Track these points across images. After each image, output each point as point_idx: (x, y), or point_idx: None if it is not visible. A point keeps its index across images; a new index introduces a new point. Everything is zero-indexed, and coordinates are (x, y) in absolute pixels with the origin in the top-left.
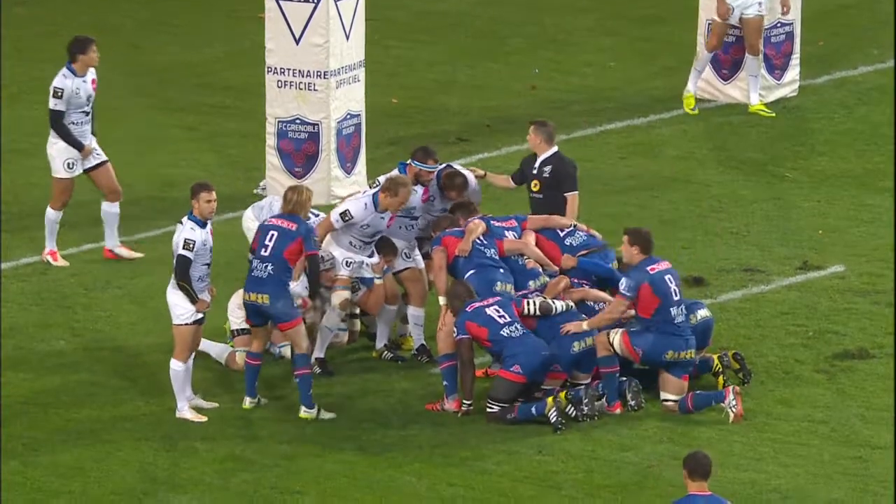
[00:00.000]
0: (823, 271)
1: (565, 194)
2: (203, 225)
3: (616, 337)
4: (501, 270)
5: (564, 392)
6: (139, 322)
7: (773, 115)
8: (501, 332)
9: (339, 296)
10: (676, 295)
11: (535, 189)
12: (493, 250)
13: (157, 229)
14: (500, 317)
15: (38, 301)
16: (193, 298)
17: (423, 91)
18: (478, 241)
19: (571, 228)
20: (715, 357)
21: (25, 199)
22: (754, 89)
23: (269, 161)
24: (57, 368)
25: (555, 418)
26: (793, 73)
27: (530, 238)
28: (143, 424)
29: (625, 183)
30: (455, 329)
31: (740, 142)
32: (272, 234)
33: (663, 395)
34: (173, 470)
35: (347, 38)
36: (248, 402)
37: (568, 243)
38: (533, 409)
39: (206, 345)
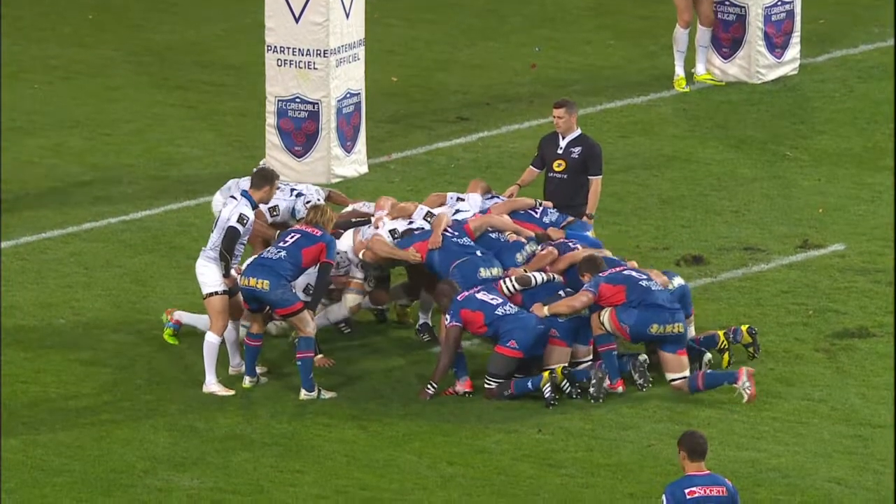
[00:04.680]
0: (824, 250)
1: (590, 177)
2: (255, 207)
3: (605, 315)
4: (479, 254)
5: (561, 367)
6: (140, 301)
7: (723, 83)
8: (496, 313)
9: (353, 299)
10: (638, 273)
11: (558, 168)
12: (464, 238)
13: (157, 208)
14: (491, 299)
15: (38, 280)
16: (228, 271)
17: (424, 70)
18: (447, 232)
19: (543, 207)
20: (720, 333)
21: (25, 178)
22: (701, 60)
23: (269, 140)
24: (57, 347)
25: (548, 393)
26: (793, 51)
27: (504, 217)
28: (144, 403)
29: (625, 161)
30: (448, 317)
31: (740, 120)
32: (294, 235)
33: (669, 376)
34: (173, 449)
35: (347, 16)
36: (247, 382)
37: (547, 220)
38: (529, 384)
39: (192, 318)
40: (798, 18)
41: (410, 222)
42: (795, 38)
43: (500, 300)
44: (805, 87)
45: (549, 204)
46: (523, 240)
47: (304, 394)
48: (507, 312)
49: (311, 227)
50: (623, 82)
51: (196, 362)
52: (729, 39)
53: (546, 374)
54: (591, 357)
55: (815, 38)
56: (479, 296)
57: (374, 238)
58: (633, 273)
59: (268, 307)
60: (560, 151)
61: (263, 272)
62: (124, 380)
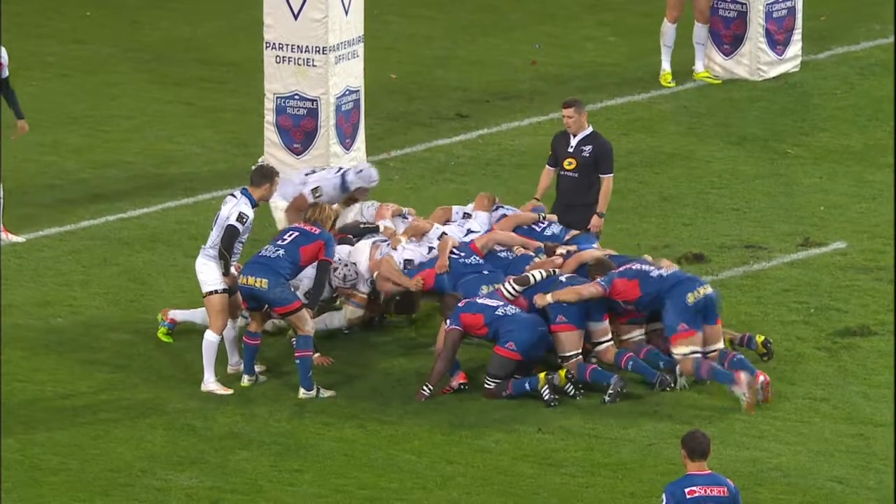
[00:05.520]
0: (825, 248)
1: (601, 176)
2: (255, 206)
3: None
4: (485, 272)
5: (564, 371)
6: (137, 300)
7: (720, 81)
8: (496, 313)
9: (352, 312)
10: (649, 265)
11: (569, 167)
12: (472, 257)
13: (155, 205)
14: (491, 301)
15: (35, 278)
16: (227, 270)
17: (423, 66)
18: (454, 253)
19: (547, 222)
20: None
21: (22, 176)
22: (700, 57)
23: (268, 137)
24: (55, 346)
25: (548, 395)
26: (795, 48)
27: (509, 233)
28: (142, 402)
29: (626, 159)
30: (448, 322)
31: (742, 117)
32: (292, 233)
33: (710, 349)
34: (171, 448)
35: (346, 13)
36: (246, 380)
37: (550, 234)
38: (526, 385)
39: (186, 314)
40: (799, 15)
41: (430, 248)
42: (797, 34)
43: (502, 303)
44: (806, 84)
45: (554, 217)
46: (531, 253)
47: (302, 392)
48: (508, 313)
49: (310, 224)
50: (624, 79)
51: (195, 361)
52: (730, 36)
53: (542, 375)
54: (609, 336)
55: (816, 34)
56: (480, 301)
57: (384, 260)
58: (644, 266)
59: (266, 306)
60: (571, 150)
61: (262, 270)
62: (122, 378)
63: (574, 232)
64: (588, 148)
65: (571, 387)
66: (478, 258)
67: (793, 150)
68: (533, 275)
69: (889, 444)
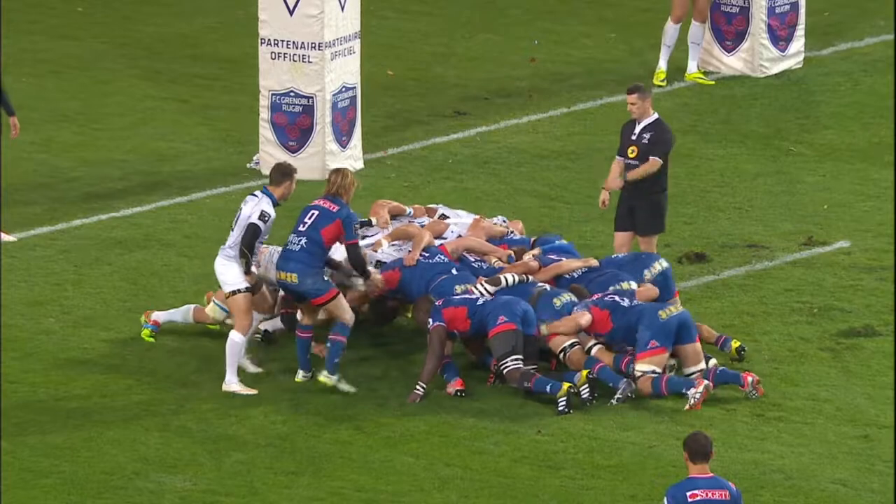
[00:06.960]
0: (828, 247)
1: (650, 157)
2: (277, 205)
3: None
4: (454, 272)
5: (587, 371)
6: (130, 300)
7: (712, 82)
8: (477, 303)
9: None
10: (621, 296)
11: (632, 155)
12: (439, 256)
13: (149, 204)
14: (470, 295)
15: (27, 278)
16: (248, 269)
17: (420, 63)
18: (422, 256)
19: (512, 233)
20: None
21: (14, 174)
22: (693, 57)
23: (263, 135)
24: (47, 347)
25: (563, 406)
26: (798, 44)
27: (480, 240)
28: (135, 404)
29: None
30: (430, 320)
31: (743, 115)
32: (312, 213)
33: (686, 370)
34: (165, 450)
35: (342, 8)
36: (300, 376)
37: (517, 239)
38: (548, 388)
39: (167, 314)
40: (802, 11)
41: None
42: (800, 30)
43: (478, 295)
44: (809, 80)
45: (520, 227)
46: (503, 261)
47: (324, 375)
48: (487, 299)
49: (330, 201)
50: (624, 76)
51: (188, 362)
52: (732, 32)
53: (566, 385)
54: (595, 340)
55: (819, 30)
56: (458, 297)
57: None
58: (616, 297)
59: (305, 298)
60: (634, 138)
61: (290, 265)
62: (115, 380)
63: (534, 238)
64: (648, 135)
65: (588, 389)
66: (444, 257)
67: (795, 147)
68: (506, 277)
69: (892, 446)
